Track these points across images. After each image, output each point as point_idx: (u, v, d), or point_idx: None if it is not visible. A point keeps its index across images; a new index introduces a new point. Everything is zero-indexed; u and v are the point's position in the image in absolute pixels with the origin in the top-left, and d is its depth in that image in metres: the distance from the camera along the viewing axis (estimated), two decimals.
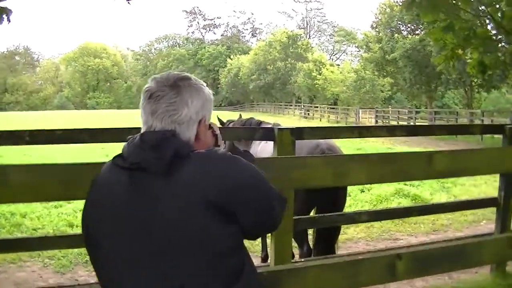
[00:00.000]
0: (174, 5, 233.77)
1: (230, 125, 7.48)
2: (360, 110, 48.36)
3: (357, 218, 5.79)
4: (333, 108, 54.57)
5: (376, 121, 43.98)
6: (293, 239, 6.16)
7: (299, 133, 5.08)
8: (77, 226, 8.83)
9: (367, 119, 47.60)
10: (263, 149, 6.24)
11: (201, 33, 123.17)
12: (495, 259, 3.81)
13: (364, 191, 11.62)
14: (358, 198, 11.11)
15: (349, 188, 11.22)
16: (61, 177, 2.55)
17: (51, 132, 4.37)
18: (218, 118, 7.80)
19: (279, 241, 4.57)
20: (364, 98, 58.31)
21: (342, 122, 45.51)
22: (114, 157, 1.98)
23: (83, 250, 7.12)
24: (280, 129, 4.86)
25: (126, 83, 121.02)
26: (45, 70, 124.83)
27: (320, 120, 48.75)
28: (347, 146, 18.82)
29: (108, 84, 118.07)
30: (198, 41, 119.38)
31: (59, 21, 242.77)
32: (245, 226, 1.89)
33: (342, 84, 63.00)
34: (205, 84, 2.10)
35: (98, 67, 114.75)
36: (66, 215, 9.51)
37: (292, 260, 6.48)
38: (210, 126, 2.19)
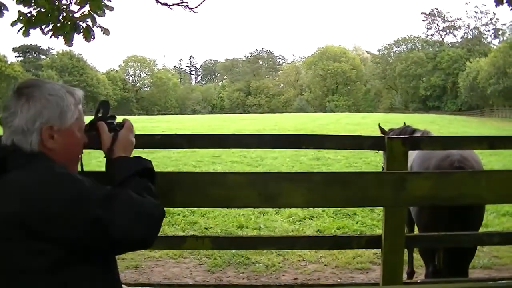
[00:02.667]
0: (412, 7, 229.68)
1: (391, 134, 7.20)
2: None
3: (486, 240, 5.17)
4: None
5: None
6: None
7: (414, 143, 4.71)
8: (247, 227, 9.11)
9: None
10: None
11: (441, 35, 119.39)
12: None
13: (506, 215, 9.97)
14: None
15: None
16: None
17: (150, 137, 4.50)
18: (379, 126, 7.57)
19: (387, 260, 4.29)
20: None
21: None
22: None
23: (240, 251, 7.35)
24: (390, 138, 4.54)
25: (365, 86, 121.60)
26: (286, 74, 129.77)
27: None
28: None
29: (348, 87, 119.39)
30: (438, 44, 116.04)
31: (301, 25, 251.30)
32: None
33: None
34: (52, 90, 2.02)
35: (337, 71, 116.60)
36: (242, 216, 9.82)
37: (413, 279, 6.13)
38: (94, 130, 2.24)
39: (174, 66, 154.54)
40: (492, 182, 2.48)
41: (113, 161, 2.17)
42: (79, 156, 2.18)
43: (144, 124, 41.98)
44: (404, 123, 7.70)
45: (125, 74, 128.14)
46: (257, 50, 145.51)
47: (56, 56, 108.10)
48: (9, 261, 1.80)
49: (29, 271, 1.79)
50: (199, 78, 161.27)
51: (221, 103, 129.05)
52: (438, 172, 4.15)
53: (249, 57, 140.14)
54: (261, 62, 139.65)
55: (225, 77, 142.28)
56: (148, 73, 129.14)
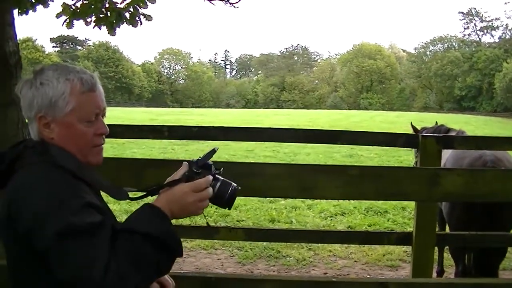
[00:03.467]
0: (449, 6, 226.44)
1: (423, 132, 7.22)
2: None
3: None
4: None
5: None
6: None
7: (447, 142, 4.75)
8: (278, 221, 9.21)
9: None
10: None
11: (478, 35, 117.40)
12: None
13: None
14: None
15: None
16: (131, 170, 2.75)
17: (188, 128, 4.61)
18: (412, 124, 7.58)
19: (417, 257, 4.34)
20: None
21: None
22: None
23: (271, 244, 7.46)
24: (424, 137, 4.58)
25: (399, 84, 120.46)
26: (321, 70, 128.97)
27: None
28: None
29: (382, 85, 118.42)
30: (475, 43, 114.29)
31: (337, 21, 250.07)
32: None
33: None
34: (46, 77, 1.91)
35: (372, 68, 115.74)
36: (275, 210, 9.93)
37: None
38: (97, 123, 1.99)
39: (209, 60, 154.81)
40: None
41: (144, 205, 1.87)
42: (94, 147, 2.00)
43: (178, 116, 42.35)
44: (436, 122, 7.71)
45: (160, 67, 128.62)
46: (292, 45, 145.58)
47: (93, 47, 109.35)
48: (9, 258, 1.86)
49: (22, 270, 1.82)
50: (234, 72, 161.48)
51: (255, 98, 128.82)
52: (471, 169, 4.20)
53: (284, 52, 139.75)
54: (296, 58, 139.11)
55: (259, 72, 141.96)
56: (183, 66, 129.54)
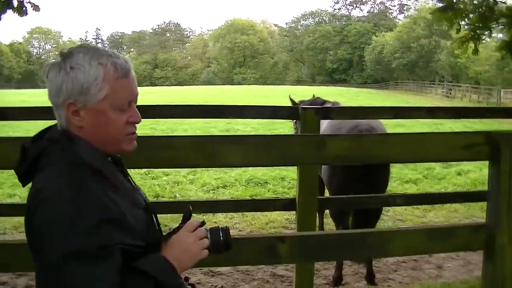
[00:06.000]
0: None
1: (302, 105, 7.54)
2: (502, 90, 44.91)
3: (391, 201, 5.63)
4: (476, 88, 51.40)
5: None
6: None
7: (326, 113, 5.06)
8: (163, 197, 9.32)
9: (510, 100, 43.56)
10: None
11: (348, 9, 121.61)
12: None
13: (461, 174, 11.30)
14: (453, 181, 10.83)
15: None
16: None
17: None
18: (290, 98, 7.87)
19: (301, 221, 4.63)
20: (509, 78, 55.15)
21: (484, 103, 42.52)
22: None
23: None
24: (304, 109, 4.87)
25: (272, 59, 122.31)
26: (194, 47, 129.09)
27: (462, 100, 46.59)
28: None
29: (255, 60, 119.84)
30: (345, 18, 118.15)
31: None
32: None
33: (485, 63, 59.52)
34: (76, 61, 1.74)
35: (244, 44, 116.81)
36: (158, 186, 10.03)
37: None
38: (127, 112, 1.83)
39: (80, 38, 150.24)
40: (402, 143, 2.88)
41: (158, 254, 1.77)
42: (125, 136, 1.84)
43: None
44: (314, 95, 8.08)
45: (29, 47, 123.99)
46: (164, 22, 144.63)
47: None
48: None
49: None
50: None
51: None
52: (353, 134, 4.53)
53: (156, 29, 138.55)
54: (168, 35, 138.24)
55: (132, 50, 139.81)
56: (54, 46, 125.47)
